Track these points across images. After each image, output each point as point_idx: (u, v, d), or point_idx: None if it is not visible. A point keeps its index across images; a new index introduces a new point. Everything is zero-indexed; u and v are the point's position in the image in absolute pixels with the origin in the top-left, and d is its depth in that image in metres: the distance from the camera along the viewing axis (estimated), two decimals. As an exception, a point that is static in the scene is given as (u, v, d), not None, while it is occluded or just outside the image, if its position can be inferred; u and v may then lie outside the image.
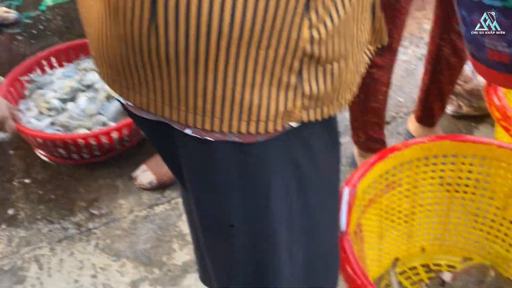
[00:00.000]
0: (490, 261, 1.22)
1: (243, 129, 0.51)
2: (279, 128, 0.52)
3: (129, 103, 0.55)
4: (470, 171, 1.15)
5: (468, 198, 1.19)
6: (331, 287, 0.77)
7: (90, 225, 1.48)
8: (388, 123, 1.77)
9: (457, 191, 1.19)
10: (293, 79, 0.50)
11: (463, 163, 1.14)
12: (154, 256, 1.39)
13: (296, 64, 0.49)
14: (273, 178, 0.57)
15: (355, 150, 1.54)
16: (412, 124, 1.63)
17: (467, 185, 1.17)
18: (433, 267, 1.28)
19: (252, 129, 0.51)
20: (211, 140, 0.53)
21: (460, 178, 1.16)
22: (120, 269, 1.36)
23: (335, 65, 0.52)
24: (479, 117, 1.73)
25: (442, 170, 1.16)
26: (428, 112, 1.52)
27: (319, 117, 0.54)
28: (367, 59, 0.60)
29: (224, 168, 0.56)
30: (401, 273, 1.27)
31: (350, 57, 0.54)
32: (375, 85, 1.29)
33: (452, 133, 1.70)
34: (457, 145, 1.11)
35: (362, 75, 0.61)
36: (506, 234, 1.18)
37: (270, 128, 0.52)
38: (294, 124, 0.53)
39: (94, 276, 1.35)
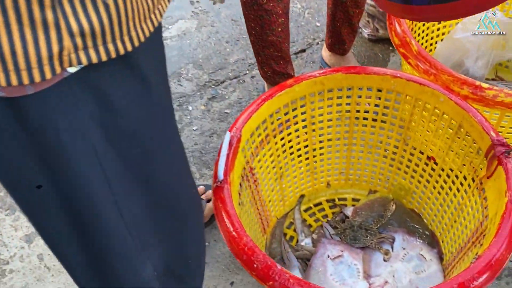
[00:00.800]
0: (394, 193, 1.20)
1: (2, 81, 0.41)
2: (49, 76, 0.42)
3: None
4: (367, 104, 1.08)
5: (368, 131, 1.14)
6: (193, 234, 0.71)
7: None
8: (303, 50, 1.67)
9: (356, 125, 1.13)
10: (49, 15, 0.40)
11: (359, 96, 1.07)
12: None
13: None
14: (63, 135, 0.48)
15: (265, 84, 1.45)
16: (325, 51, 1.54)
17: (365, 118, 1.12)
18: (338, 202, 1.25)
19: (14, 81, 0.41)
20: None
21: (358, 111, 1.10)
22: (14, 223, 1.28)
23: None
24: (397, 39, 1.65)
25: (338, 104, 1.09)
26: (337, 38, 1.42)
27: (105, 57, 0.44)
28: None
29: (2, 130, 0.47)
30: (306, 210, 1.24)
31: None
32: (269, 17, 1.17)
33: (368, 58, 1.63)
34: (351, 77, 1.03)
35: None
36: (407, 166, 1.15)
37: (36, 77, 0.42)
38: (72, 70, 0.44)
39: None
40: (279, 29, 1.21)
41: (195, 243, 0.73)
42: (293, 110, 1.06)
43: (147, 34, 0.48)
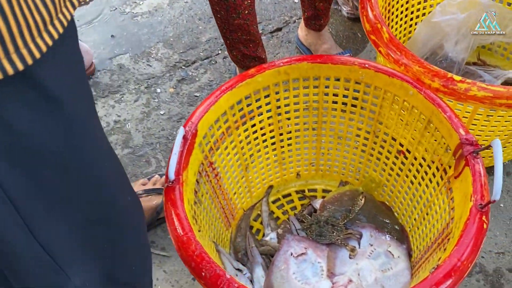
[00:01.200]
0: (365, 186, 1.15)
1: None
2: None
3: None
4: (335, 94, 1.02)
5: (337, 122, 1.08)
6: (133, 241, 0.69)
7: None
8: (279, 29, 1.60)
9: (324, 115, 1.08)
10: None
11: (326, 86, 1.01)
12: None
13: None
14: None
15: (236, 68, 1.38)
16: (301, 31, 1.47)
17: (334, 109, 1.06)
18: (307, 194, 1.20)
19: None
20: None
21: (326, 101, 1.04)
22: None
23: None
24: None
25: (305, 94, 1.03)
26: (313, 12, 1.35)
27: None
28: None
29: None
30: (274, 202, 1.20)
31: None
32: (234, 0, 1.10)
33: (347, 38, 1.55)
34: (317, 66, 0.97)
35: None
36: (378, 159, 1.10)
37: None
38: None
39: None
40: (246, 12, 1.13)
41: (136, 249, 0.70)
42: (257, 101, 1.00)
43: (44, 49, 0.41)
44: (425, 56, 1.24)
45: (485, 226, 0.75)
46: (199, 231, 0.87)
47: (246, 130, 1.04)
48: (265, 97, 1.01)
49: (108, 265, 0.65)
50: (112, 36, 1.61)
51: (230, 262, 1.01)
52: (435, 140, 0.92)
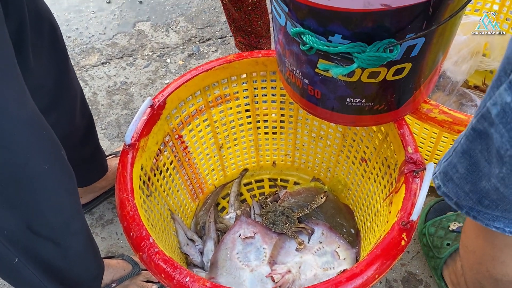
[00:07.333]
0: (333, 186, 1.18)
1: None
2: None
3: None
4: (311, 92, 1.05)
5: (311, 119, 1.11)
6: (50, 202, 0.73)
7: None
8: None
9: (300, 111, 1.11)
10: None
11: (302, 83, 1.04)
12: None
13: None
14: None
15: (242, 49, 1.42)
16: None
17: (309, 107, 1.09)
18: (279, 183, 1.25)
19: None
20: None
21: (301, 98, 1.07)
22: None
23: None
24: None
25: (282, 88, 1.06)
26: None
27: None
28: None
29: None
30: (246, 184, 1.25)
31: None
32: None
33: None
34: (293, 63, 1.00)
35: None
36: (346, 162, 1.12)
37: None
38: None
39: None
40: (249, 8, 1.17)
41: (53, 210, 0.73)
42: (234, 86, 1.05)
43: None
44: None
45: (403, 243, 0.78)
46: (148, 195, 0.94)
47: (221, 111, 1.09)
48: (243, 83, 1.05)
49: (24, 217, 0.70)
50: (140, 2, 1.68)
51: (183, 230, 1.08)
52: (389, 155, 0.93)
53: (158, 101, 0.94)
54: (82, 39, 1.57)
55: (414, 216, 0.75)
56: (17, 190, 0.65)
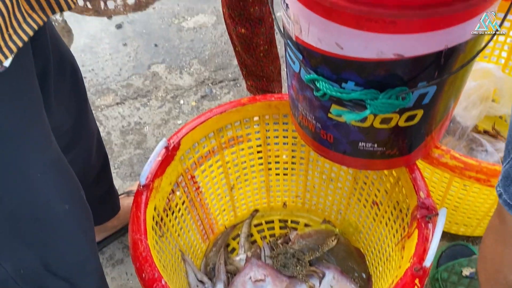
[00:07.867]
0: (344, 229, 1.18)
1: None
2: None
3: None
4: (322, 136, 1.07)
5: (323, 161, 1.12)
6: (69, 243, 0.74)
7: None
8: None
9: (312, 153, 1.12)
10: None
11: (314, 126, 1.06)
12: None
13: None
14: None
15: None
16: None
17: (321, 149, 1.10)
18: (289, 224, 1.25)
19: None
20: None
21: (313, 141, 1.09)
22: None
23: None
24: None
25: (294, 130, 1.08)
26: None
27: None
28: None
29: None
30: (257, 225, 1.25)
31: None
32: (249, 42, 1.18)
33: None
34: (306, 107, 1.02)
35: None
36: (357, 205, 1.13)
37: None
38: None
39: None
40: (261, 55, 1.21)
41: (70, 251, 0.75)
42: (246, 128, 1.07)
43: None
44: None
45: (416, 288, 0.77)
46: (161, 236, 0.94)
47: (234, 152, 1.10)
48: (256, 125, 1.07)
49: (42, 256, 0.70)
50: (155, 45, 1.73)
51: (194, 272, 1.08)
52: (401, 199, 0.94)
53: (173, 142, 0.96)
54: (97, 79, 1.61)
55: (427, 262, 0.75)
56: (37, 229, 0.66)
